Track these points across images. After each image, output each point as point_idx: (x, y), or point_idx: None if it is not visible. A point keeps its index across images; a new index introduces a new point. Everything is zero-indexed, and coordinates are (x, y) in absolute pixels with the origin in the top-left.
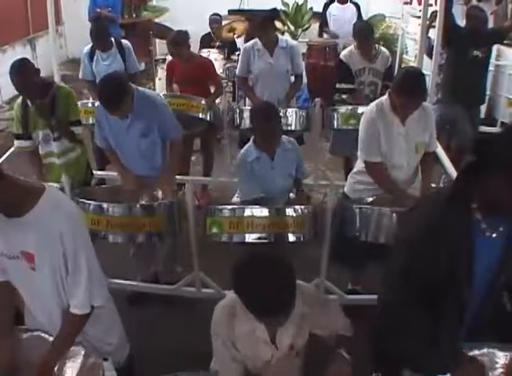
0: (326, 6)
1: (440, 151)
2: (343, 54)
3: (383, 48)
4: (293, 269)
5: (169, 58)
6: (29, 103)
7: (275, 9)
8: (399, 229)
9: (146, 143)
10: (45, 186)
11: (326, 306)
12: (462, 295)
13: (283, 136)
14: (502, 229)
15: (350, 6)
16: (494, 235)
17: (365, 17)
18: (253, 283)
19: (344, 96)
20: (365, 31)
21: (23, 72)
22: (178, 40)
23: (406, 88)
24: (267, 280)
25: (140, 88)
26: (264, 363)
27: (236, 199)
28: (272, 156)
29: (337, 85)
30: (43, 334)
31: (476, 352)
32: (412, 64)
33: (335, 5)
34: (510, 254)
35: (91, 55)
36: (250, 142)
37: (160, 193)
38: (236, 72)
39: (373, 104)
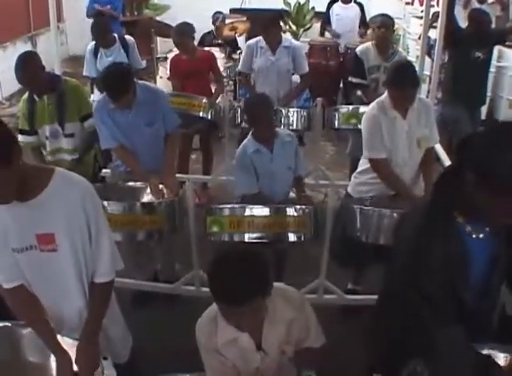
0: (330, 5)
1: (441, 151)
2: (358, 49)
3: (400, 49)
4: (262, 267)
5: (170, 55)
6: (36, 97)
7: (280, 10)
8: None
9: (151, 132)
10: (53, 167)
11: (306, 312)
12: (458, 294)
13: (281, 129)
14: (489, 229)
15: (353, 6)
16: (481, 236)
17: (366, 17)
18: (217, 269)
19: (358, 93)
20: (387, 24)
21: (28, 66)
22: (184, 29)
23: (398, 80)
24: (230, 268)
25: (140, 81)
26: (255, 370)
27: None
28: (271, 148)
29: (350, 78)
30: None
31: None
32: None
33: (338, 5)
34: (500, 252)
35: (95, 51)
36: (249, 136)
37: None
38: (239, 67)
39: (373, 103)
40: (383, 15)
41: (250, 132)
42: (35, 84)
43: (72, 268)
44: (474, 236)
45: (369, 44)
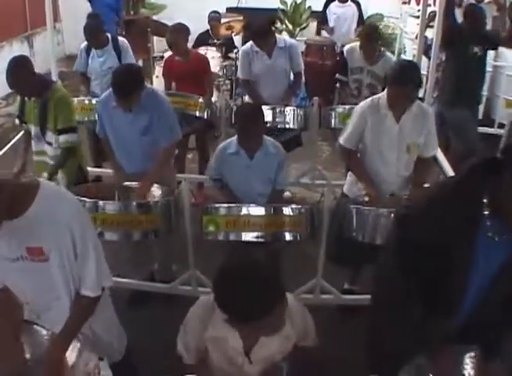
0: (327, 4)
1: (438, 153)
2: (346, 48)
3: (388, 54)
4: (276, 282)
5: (167, 55)
6: (25, 98)
7: (272, 15)
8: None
9: (146, 141)
10: (38, 180)
11: (305, 320)
12: (456, 291)
13: (269, 139)
14: (506, 237)
15: (351, 5)
16: (496, 239)
17: (364, 16)
18: (230, 284)
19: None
20: (370, 34)
21: (18, 71)
22: (179, 29)
23: (399, 76)
24: (244, 283)
25: (150, 87)
26: (238, 366)
27: None
28: (251, 155)
29: (337, 75)
30: (39, 328)
31: (472, 354)
32: None
33: (335, 4)
34: (510, 264)
35: (87, 50)
36: (235, 136)
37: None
38: (238, 75)
39: (368, 99)
40: (369, 24)
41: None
42: (24, 89)
43: (60, 277)
44: (489, 234)
45: (356, 44)
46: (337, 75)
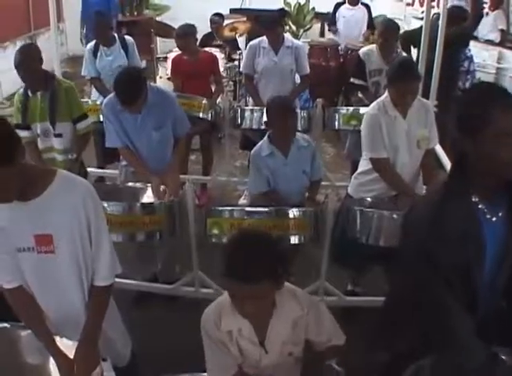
0: (337, 7)
1: (440, 151)
2: (362, 51)
3: (404, 53)
4: (277, 254)
5: (170, 55)
6: (29, 93)
7: (283, 9)
8: (404, 225)
9: (158, 136)
10: (56, 169)
11: (318, 312)
12: (473, 282)
13: (298, 133)
14: (502, 215)
15: (361, 8)
16: (494, 219)
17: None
18: (235, 245)
19: (360, 95)
20: (391, 33)
21: (28, 52)
22: (186, 32)
23: (402, 74)
24: (247, 246)
25: (152, 83)
26: (255, 362)
27: (243, 201)
28: (285, 152)
29: (351, 80)
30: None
31: None
32: None
33: (345, 7)
34: (510, 239)
35: (94, 51)
36: (265, 138)
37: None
38: (241, 68)
39: (374, 103)
40: (385, 20)
41: (267, 134)
42: (32, 72)
43: (71, 270)
44: (487, 216)
45: (373, 46)
46: (354, 80)
